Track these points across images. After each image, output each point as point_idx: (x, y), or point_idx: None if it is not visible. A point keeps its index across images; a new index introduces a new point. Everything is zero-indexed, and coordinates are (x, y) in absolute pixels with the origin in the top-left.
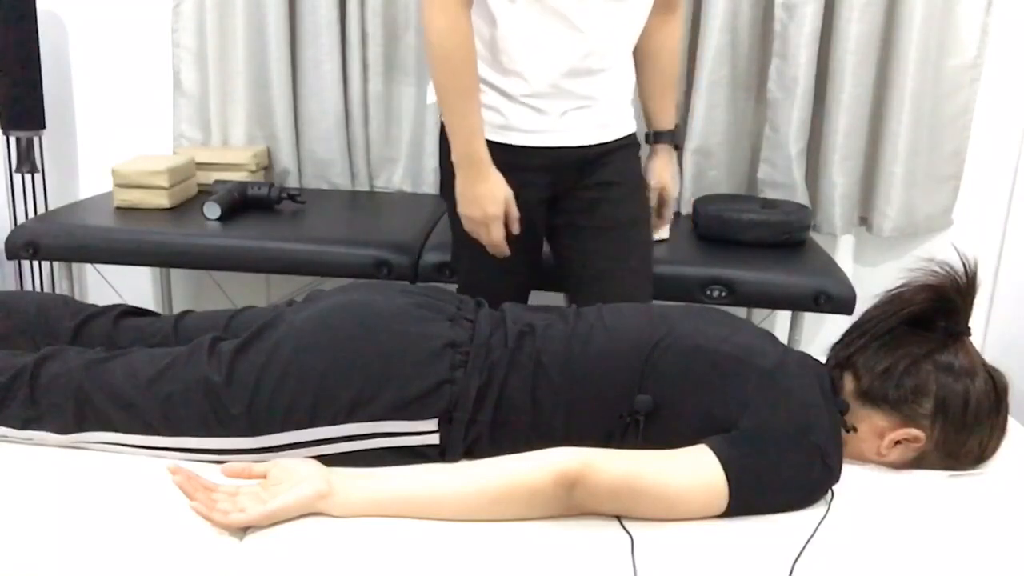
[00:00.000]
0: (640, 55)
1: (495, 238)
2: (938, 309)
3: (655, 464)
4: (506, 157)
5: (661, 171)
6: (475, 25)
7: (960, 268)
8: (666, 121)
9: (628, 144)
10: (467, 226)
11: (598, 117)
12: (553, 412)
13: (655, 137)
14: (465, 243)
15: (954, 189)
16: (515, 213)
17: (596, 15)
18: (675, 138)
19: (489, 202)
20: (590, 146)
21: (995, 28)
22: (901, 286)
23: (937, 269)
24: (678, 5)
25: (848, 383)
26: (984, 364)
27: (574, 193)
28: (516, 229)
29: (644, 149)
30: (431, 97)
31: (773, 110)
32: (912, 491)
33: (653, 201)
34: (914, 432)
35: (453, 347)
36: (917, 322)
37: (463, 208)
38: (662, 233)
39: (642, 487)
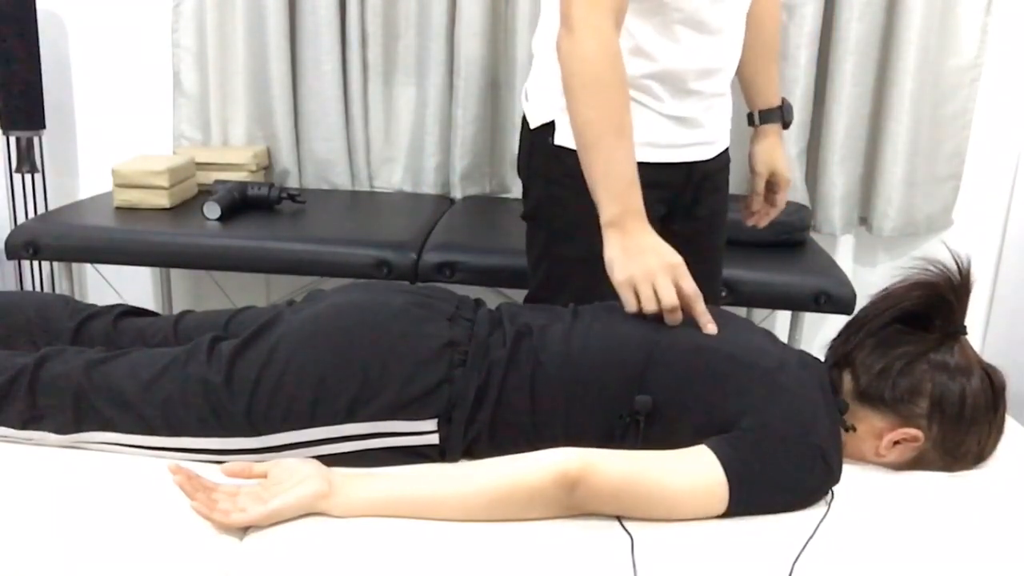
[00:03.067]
0: (746, 25)
1: (691, 287)
2: (933, 308)
3: (655, 465)
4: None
5: (771, 154)
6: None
7: (954, 267)
8: (774, 95)
9: (727, 163)
10: (637, 292)
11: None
12: (552, 412)
13: (761, 117)
14: (564, 272)
15: (954, 189)
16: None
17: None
18: (787, 115)
19: (664, 250)
20: (708, 160)
21: (995, 28)
22: (895, 284)
23: (931, 268)
24: None
25: (847, 382)
26: (980, 362)
27: (679, 222)
28: (691, 287)
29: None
30: (537, 117)
31: None
32: (912, 491)
33: (759, 187)
34: (912, 432)
35: (452, 347)
36: (913, 321)
37: (630, 269)
38: (767, 221)
39: (642, 488)
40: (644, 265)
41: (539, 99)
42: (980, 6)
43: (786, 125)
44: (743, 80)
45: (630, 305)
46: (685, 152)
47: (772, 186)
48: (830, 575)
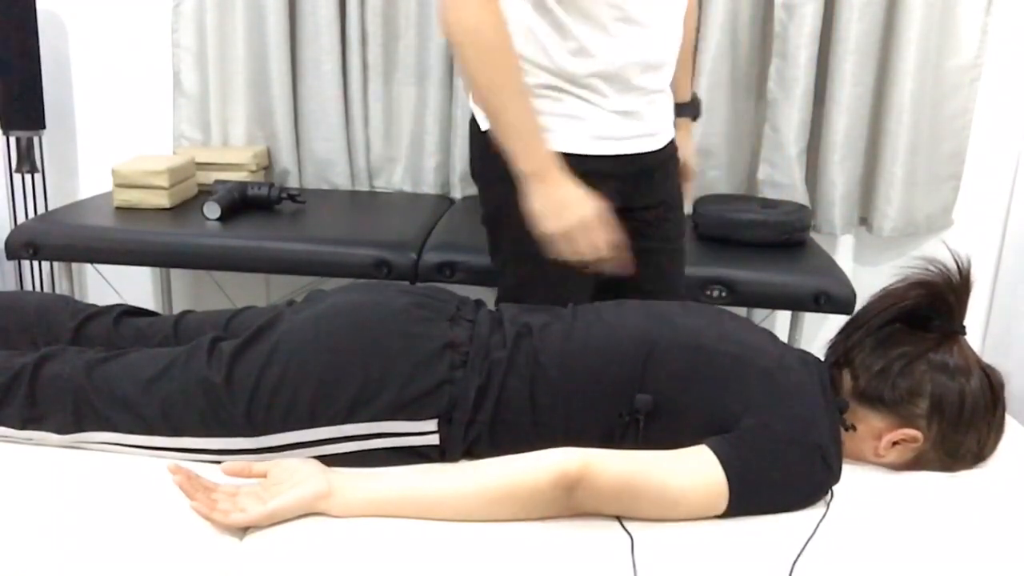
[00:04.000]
0: None
1: (599, 243)
2: (932, 308)
3: (655, 464)
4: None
5: (682, 147)
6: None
7: (954, 267)
8: (685, 92)
9: (674, 152)
10: (561, 247)
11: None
12: (552, 412)
13: (677, 111)
14: (526, 269)
15: (954, 189)
16: (604, 214)
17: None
18: (694, 110)
19: (579, 203)
20: (655, 151)
21: (995, 28)
22: (895, 283)
23: (931, 267)
24: None
25: (846, 382)
26: (979, 363)
27: (635, 213)
28: (613, 234)
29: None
30: (484, 119)
31: (773, 110)
32: (912, 491)
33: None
34: (911, 432)
35: (453, 347)
36: (912, 321)
37: (549, 225)
38: None
39: (642, 487)
40: (576, 216)
41: None
42: (980, 6)
43: (694, 119)
44: None
45: (567, 255)
46: (633, 144)
47: (681, 176)
48: (830, 575)
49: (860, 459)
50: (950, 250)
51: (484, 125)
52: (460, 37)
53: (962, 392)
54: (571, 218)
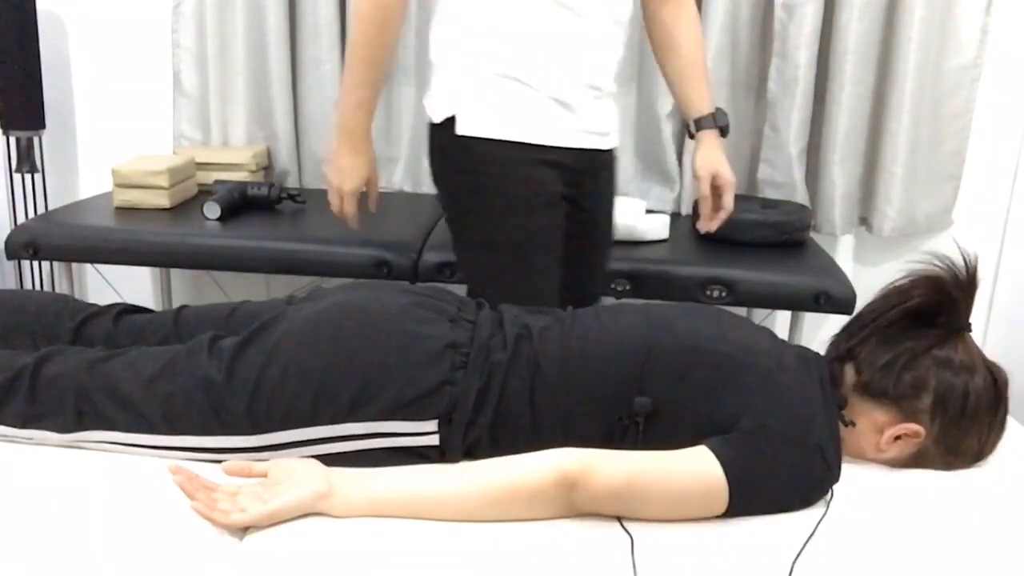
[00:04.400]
0: (662, 48)
1: (348, 210)
2: (938, 304)
3: (655, 465)
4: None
5: (711, 158)
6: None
7: (960, 263)
8: (704, 104)
9: (614, 160)
10: (329, 188)
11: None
12: (552, 414)
13: (697, 125)
14: (482, 260)
15: (954, 189)
16: (375, 193)
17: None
18: (720, 120)
19: (349, 176)
20: (601, 151)
21: (995, 28)
22: (901, 279)
23: (937, 263)
24: None
25: (849, 376)
26: (984, 360)
27: (580, 212)
28: (373, 207)
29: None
30: (439, 113)
31: (773, 110)
32: (911, 491)
33: (704, 191)
34: (913, 427)
35: (454, 348)
36: (917, 317)
37: (330, 173)
38: (718, 224)
39: (642, 488)
40: (333, 179)
41: (439, 95)
42: (980, 6)
43: (723, 132)
44: (678, 99)
45: (330, 200)
46: (581, 138)
47: (717, 189)
48: (830, 575)
49: (861, 455)
50: (957, 246)
51: (438, 118)
52: (364, 12)
53: (966, 388)
54: (338, 181)
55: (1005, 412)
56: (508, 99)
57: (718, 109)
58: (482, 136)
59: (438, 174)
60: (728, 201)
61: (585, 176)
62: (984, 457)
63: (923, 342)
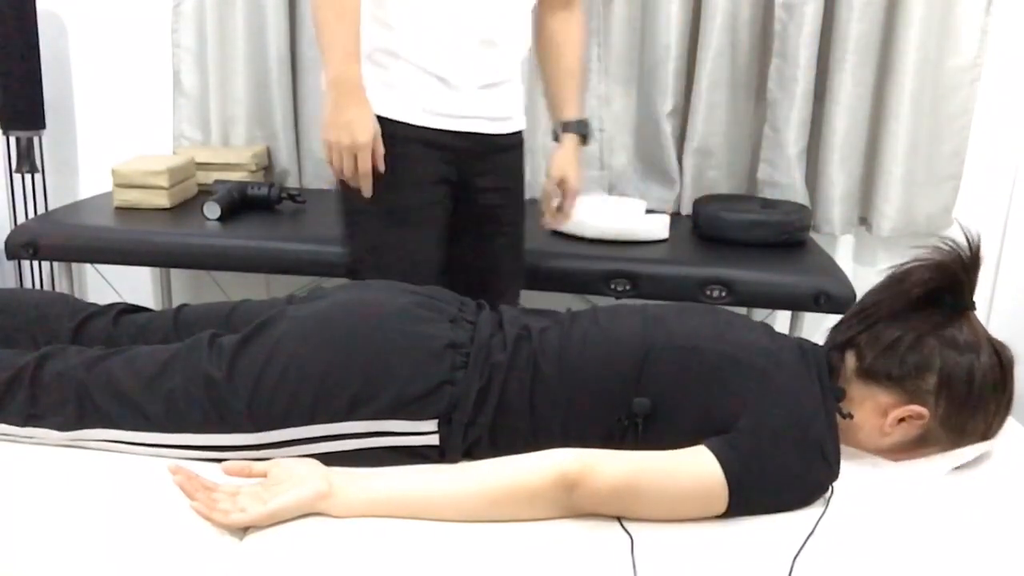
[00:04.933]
0: (544, 53)
1: (364, 168)
2: (941, 285)
3: (655, 465)
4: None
5: (564, 162)
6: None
7: (964, 243)
8: (572, 110)
9: (519, 143)
10: (330, 156)
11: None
12: (551, 415)
13: (563, 127)
14: (373, 238)
15: (954, 189)
16: (381, 149)
17: None
18: (582, 128)
19: (360, 129)
20: (495, 135)
21: (995, 28)
22: (905, 266)
23: (941, 246)
24: (573, 2)
25: (850, 361)
26: (989, 338)
27: (463, 192)
28: (382, 167)
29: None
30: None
31: (773, 110)
32: (911, 488)
33: (549, 188)
34: (918, 409)
35: (454, 348)
36: (921, 300)
37: (330, 135)
38: (561, 225)
39: (642, 488)
40: (350, 139)
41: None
42: (980, 6)
43: (584, 140)
44: (551, 101)
45: (329, 163)
46: (472, 123)
47: (562, 192)
48: (830, 573)
49: (863, 444)
50: (961, 226)
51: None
52: None
53: (971, 368)
54: (346, 138)
55: (1011, 392)
56: (388, 75)
57: (586, 119)
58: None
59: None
60: (569, 207)
61: (476, 159)
62: (989, 437)
63: (927, 323)
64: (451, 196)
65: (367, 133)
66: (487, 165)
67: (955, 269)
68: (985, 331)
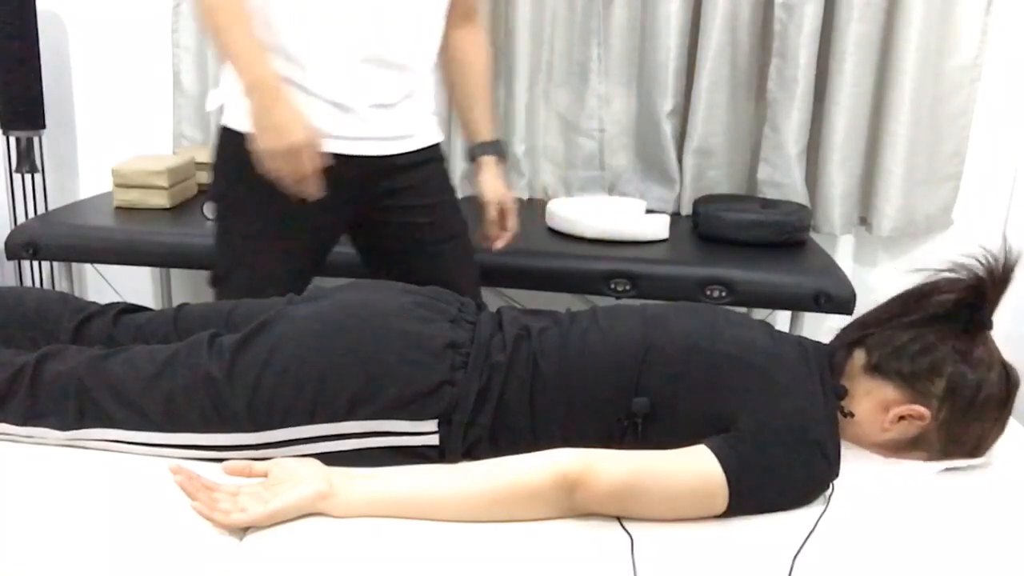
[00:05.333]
0: (449, 71)
1: (308, 168)
2: (967, 301)
3: (655, 465)
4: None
5: (493, 184)
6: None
7: (1001, 260)
8: (487, 131)
9: (435, 157)
10: (270, 165)
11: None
12: (551, 416)
13: (480, 150)
14: (235, 249)
15: (954, 189)
16: (321, 144)
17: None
18: (499, 149)
19: (292, 129)
20: (395, 155)
21: (995, 28)
22: (934, 277)
23: (978, 259)
24: (475, 14)
25: (859, 357)
26: (1002, 359)
27: (378, 215)
28: (324, 162)
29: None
30: (212, 103)
31: (773, 110)
32: (911, 488)
33: (492, 215)
34: (920, 410)
35: (454, 348)
36: (945, 313)
37: (264, 142)
38: (504, 243)
39: (642, 488)
40: (287, 141)
41: (221, 83)
42: (980, 6)
43: (502, 159)
44: (464, 122)
45: (273, 174)
46: (366, 145)
47: (502, 212)
48: (830, 572)
49: (862, 436)
50: (1004, 240)
51: (210, 105)
52: None
53: (980, 382)
54: (282, 141)
55: (1009, 413)
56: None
57: (499, 139)
58: (236, 129)
59: (213, 169)
60: (512, 223)
61: (380, 179)
62: (980, 452)
63: (943, 333)
64: (355, 220)
65: (300, 130)
66: (396, 184)
67: (984, 289)
68: (998, 352)
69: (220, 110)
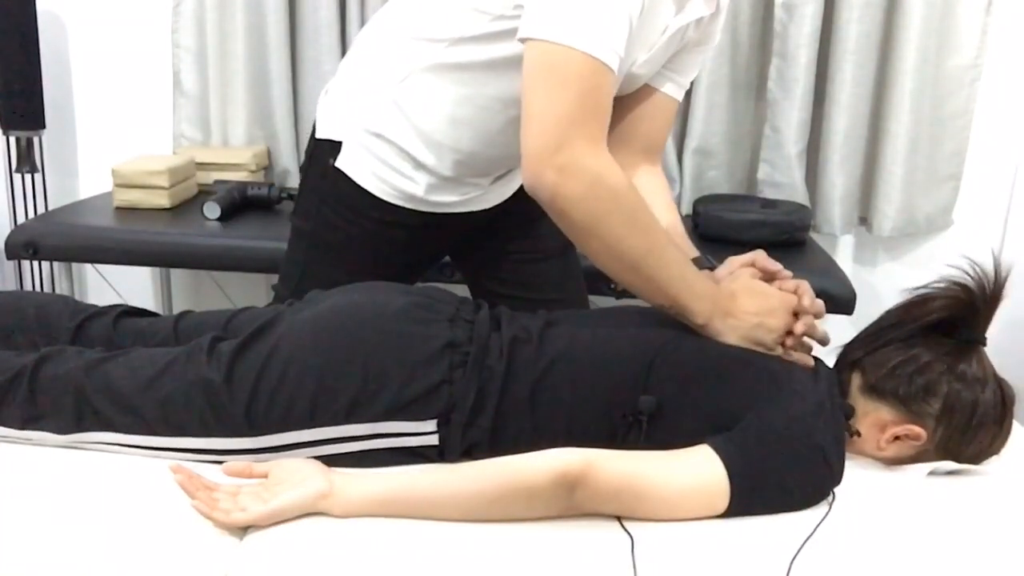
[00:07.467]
0: None
1: (781, 331)
2: (959, 317)
3: (656, 464)
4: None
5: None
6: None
7: (991, 277)
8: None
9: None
10: (780, 351)
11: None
12: (553, 414)
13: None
14: (316, 277)
15: (954, 189)
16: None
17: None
18: (708, 262)
19: (748, 305)
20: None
21: (995, 28)
22: (925, 290)
23: (968, 272)
24: (659, 154)
25: (856, 378)
26: (995, 375)
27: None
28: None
29: None
30: (327, 127)
31: (773, 110)
32: (912, 491)
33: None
34: (916, 430)
35: (452, 348)
36: (937, 328)
37: (754, 337)
38: None
39: (643, 488)
40: (758, 328)
41: (338, 110)
42: (980, 6)
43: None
44: None
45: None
46: (475, 204)
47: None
48: (828, 574)
49: (860, 452)
50: (994, 258)
51: (322, 132)
52: (586, 191)
53: (975, 401)
54: (759, 333)
55: (1009, 426)
56: (393, 163)
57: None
58: (352, 178)
59: (302, 181)
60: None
61: (481, 218)
62: (979, 462)
63: (939, 350)
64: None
65: (771, 297)
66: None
67: (975, 303)
68: (992, 367)
69: (334, 145)
